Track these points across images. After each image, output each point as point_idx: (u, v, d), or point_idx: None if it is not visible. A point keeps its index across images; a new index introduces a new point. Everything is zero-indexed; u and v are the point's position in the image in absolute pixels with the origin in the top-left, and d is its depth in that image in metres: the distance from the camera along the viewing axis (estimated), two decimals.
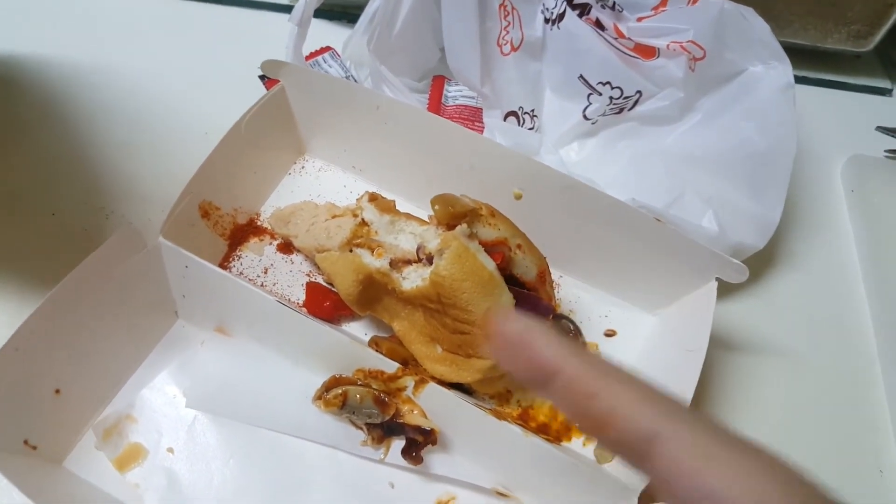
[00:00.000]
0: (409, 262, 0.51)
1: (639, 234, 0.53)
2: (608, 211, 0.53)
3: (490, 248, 0.48)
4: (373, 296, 0.53)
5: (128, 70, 0.70)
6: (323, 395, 0.51)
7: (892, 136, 0.69)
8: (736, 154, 0.59)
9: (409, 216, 0.53)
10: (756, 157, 0.58)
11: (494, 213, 0.49)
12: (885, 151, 0.69)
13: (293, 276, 0.58)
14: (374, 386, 0.51)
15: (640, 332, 0.57)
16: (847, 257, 0.64)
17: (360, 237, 0.52)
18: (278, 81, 0.60)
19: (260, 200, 0.62)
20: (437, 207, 0.48)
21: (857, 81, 0.76)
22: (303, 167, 0.64)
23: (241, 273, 0.58)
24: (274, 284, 0.58)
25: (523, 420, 0.54)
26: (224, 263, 0.58)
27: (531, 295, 0.50)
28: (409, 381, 0.50)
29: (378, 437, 0.51)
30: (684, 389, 0.48)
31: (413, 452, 0.50)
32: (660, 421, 0.24)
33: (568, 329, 0.57)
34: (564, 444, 0.53)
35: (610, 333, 0.58)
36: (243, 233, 0.59)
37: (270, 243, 0.60)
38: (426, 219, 0.53)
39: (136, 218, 0.60)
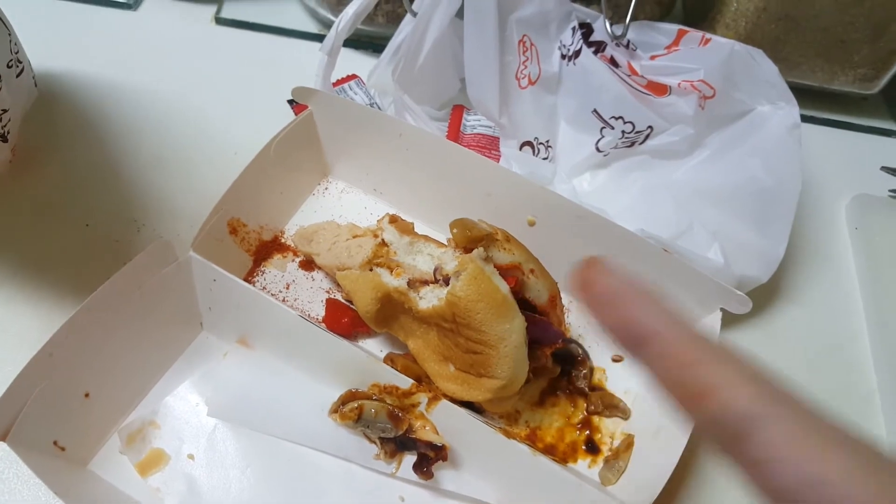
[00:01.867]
0: (426, 283, 0.53)
1: (647, 264, 0.55)
2: (618, 240, 0.55)
3: (504, 271, 0.50)
4: (390, 314, 0.55)
5: (162, 90, 0.73)
6: (339, 408, 0.53)
7: None
8: (743, 190, 0.61)
9: (427, 238, 0.56)
10: (762, 193, 0.60)
11: (509, 239, 0.52)
12: (890, 191, 0.71)
13: (314, 293, 0.61)
14: (388, 401, 0.53)
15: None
16: (849, 293, 0.66)
17: (381, 257, 0.54)
18: (307, 107, 0.63)
19: (285, 219, 0.64)
20: (455, 231, 0.50)
21: (862, 122, 0.78)
22: (326, 188, 0.67)
23: (265, 288, 0.60)
24: (295, 300, 0.60)
25: (531, 440, 0.56)
26: (249, 278, 0.60)
27: (542, 319, 0.52)
28: (422, 398, 0.52)
29: (391, 451, 0.53)
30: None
31: (424, 467, 0.52)
32: (763, 401, 0.23)
33: (576, 353, 0.59)
34: (570, 465, 0.55)
35: (617, 359, 0.60)
36: (268, 249, 0.62)
37: (293, 260, 0.62)
38: (444, 241, 0.56)
39: (165, 231, 0.62)
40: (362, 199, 0.66)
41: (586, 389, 0.58)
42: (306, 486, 0.52)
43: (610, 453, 0.56)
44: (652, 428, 0.54)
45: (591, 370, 0.59)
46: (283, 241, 0.63)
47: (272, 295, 0.59)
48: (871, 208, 0.69)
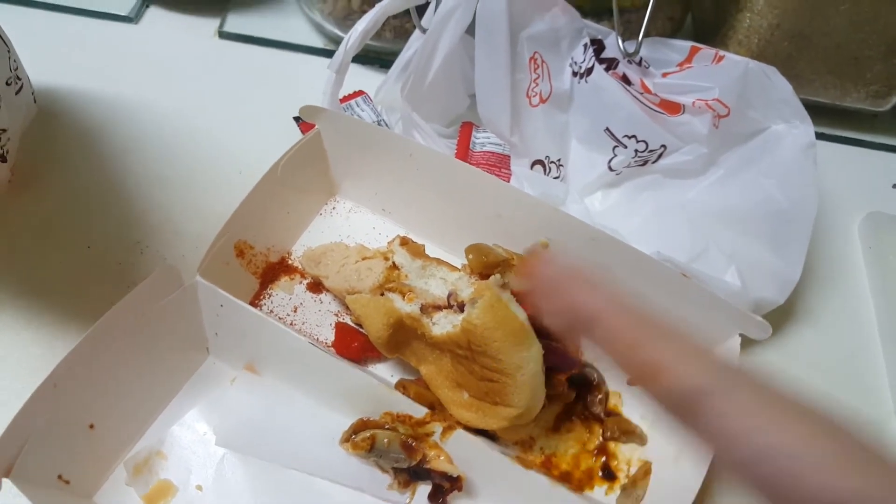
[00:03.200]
0: (439, 308, 0.52)
1: (663, 288, 0.54)
2: (633, 263, 0.54)
3: (521, 298, 0.49)
4: (402, 339, 0.54)
5: (164, 106, 0.72)
6: (350, 437, 0.52)
7: None
8: (758, 210, 0.60)
9: (439, 261, 0.54)
10: (778, 214, 0.60)
11: None
12: None
13: (322, 316, 0.59)
14: (401, 430, 0.52)
15: None
16: (864, 313, 0.65)
17: (392, 281, 0.53)
18: (313, 125, 0.62)
19: (292, 240, 0.63)
20: (471, 257, 0.49)
21: (874, 139, 0.77)
22: (334, 208, 0.65)
23: (272, 311, 0.59)
24: (303, 323, 0.59)
25: (546, 468, 0.55)
26: (255, 301, 0.59)
27: (559, 346, 0.51)
28: (436, 427, 0.50)
29: (404, 481, 0.52)
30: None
31: (440, 499, 0.50)
32: (709, 376, 0.23)
33: (592, 378, 0.58)
34: (587, 492, 0.54)
35: (633, 383, 0.59)
36: (275, 271, 0.61)
37: (301, 282, 0.61)
38: (455, 264, 0.55)
39: (169, 253, 0.61)
40: (370, 219, 0.65)
41: (602, 415, 0.57)
42: None
43: (627, 481, 0.54)
44: (670, 454, 0.53)
45: (607, 395, 0.58)
46: (290, 262, 0.62)
47: (279, 318, 0.58)
48: (885, 227, 0.68)
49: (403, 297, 0.53)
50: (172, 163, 0.67)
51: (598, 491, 0.55)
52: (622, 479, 0.55)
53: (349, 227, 0.64)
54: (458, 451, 0.51)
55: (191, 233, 0.62)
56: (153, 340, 0.51)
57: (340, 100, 0.68)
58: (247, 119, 0.71)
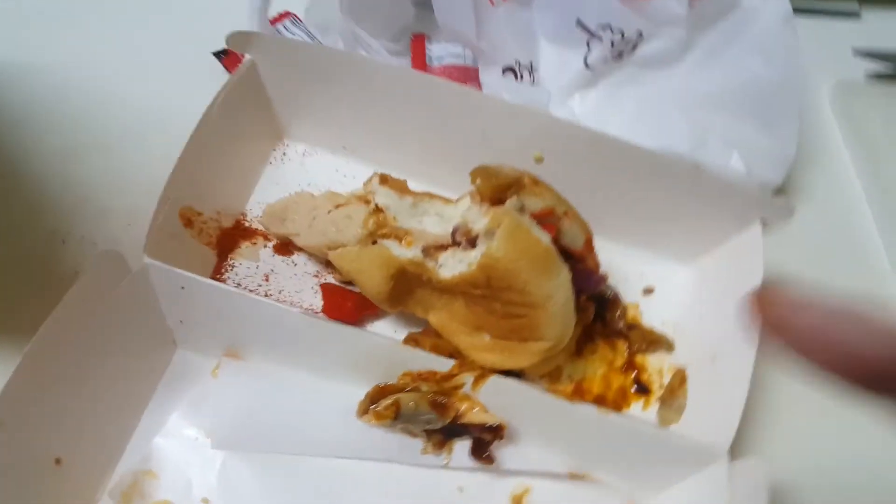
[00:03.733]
0: (443, 248, 0.46)
1: (675, 183, 0.50)
2: (641, 162, 0.49)
3: (540, 219, 0.44)
4: (404, 290, 0.47)
5: (56, 65, 0.58)
6: (369, 408, 0.45)
7: (871, 59, 0.69)
8: (745, 90, 0.56)
9: (430, 195, 0.48)
10: (765, 91, 0.56)
11: (537, 181, 0.45)
12: (868, 75, 0.69)
13: (300, 280, 0.51)
14: (424, 389, 0.46)
15: (680, 285, 0.55)
16: (848, 183, 0.64)
17: (383, 227, 0.46)
18: (240, 58, 0.52)
19: (243, 198, 0.54)
20: (478, 181, 0.43)
21: (825, 7, 0.75)
22: (284, 154, 0.56)
23: (239, 284, 0.50)
24: (279, 292, 0.51)
25: (578, 395, 0.51)
26: (217, 276, 0.50)
27: (584, 268, 0.46)
28: (466, 378, 0.45)
29: (438, 442, 0.46)
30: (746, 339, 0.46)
31: (484, 452, 0.45)
32: None
33: (608, 294, 0.53)
34: (625, 411, 0.51)
35: (649, 291, 0.55)
36: (232, 238, 0.52)
37: (265, 246, 0.52)
38: (448, 197, 0.48)
39: (99, 238, 0.51)
40: (330, 160, 0.57)
41: (624, 330, 0.53)
42: (347, 502, 0.45)
43: (663, 392, 0.51)
44: (704, 355, 0.50)
45: (625, 308, 0.54)
46: (247, 224, 0.53)
47: (251, 291, 0.50)
48: (854, 94, 0.67)
49: (400, 242, 0.46)
50: (78, 131, 0.55)
51: (635, 407, 0.51)
52: (657, 391, 0.52)
53: (307, 173, 0.56)
54: (492, 397, 0.45)
55: (119, 209, 0.52)
56: (108, 345, 0.42)
57: None
58: (155, 65, 0.59)
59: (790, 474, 0.45)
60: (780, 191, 0.59)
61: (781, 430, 0.50)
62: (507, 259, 0.41)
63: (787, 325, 0.20)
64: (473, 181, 0.43)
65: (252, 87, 0.52)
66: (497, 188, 0.42)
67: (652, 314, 0.54)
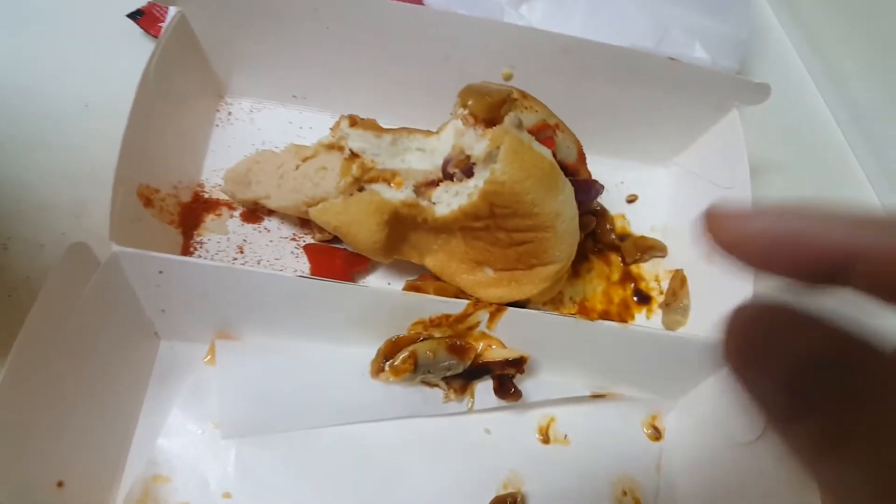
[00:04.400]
0: (434, 184, 0.43)
1: (649, 81, 0.48)
2: (615, 63, 0.47)
3: (536, 134, 0.41)
4: (398, 236, 0.44)
5: None
6: (384, 365, 0.43)
7: None
8: None
9: (409, 130, 0.44)
10: None
11: (526, 95, 0.42)
12: None
13: (277, 246, 0.47)
14: (437, 335, 0.43)
15: (663, 188, 0.54)
16: (793, 64, 0.65)
17: (368, 170, 0.42)
18: (156, 17, 0.46)
19: (197, 168, 0.49)
20: (470, 102, 0.40)
21: None
22: (229, 113, 0.51)
23: (213, 260, 0.46)
24: (258, 263, 0.47)
25: (583, 314, 0.50)
26: (186, 255, 0.46)
27: (584, 181, 0.44)
28: (482, 316, 0.43)
29: (459, 387, 0.44)
30: None
31: (510, 388, 0.44)
32: None
33: (596, 208, 0.52)
34: (633, 324, 0.50)
35: (632, 199, 0.54)
36: (194, 213, 0.47)
37: (232, 216, 0.48)
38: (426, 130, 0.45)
39: (44, 236, 0.45)
40: (281, 113, 0.52)
41: (616, 242, 0.52)
42: (377, 466, 0.43)
43: (665, 296, 0.51)
44: (699, 254, 0.49)
45: (613, 220, 0.53)
46: (207, 196, 0.48)
47: None
48: None
49: (389, 184, 0.42)
50: None
51: (639, 318, 0.51)
52: (657, 297, 0.51)
53: (259, 131, 0.51)
54: (506, 332, 0.44)
55: (61, 202, 0.46)
56: (89, 347, 0.38)
57: None
58: (67, 39, 0.52)
59: None
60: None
61: None
62: (512, 181, 0.38)
63: (739, 238, 0.18)
64: (464, 103, 0.40)
65: (185, 45, 0.46)
66: (490, 107, 0.40)
67: (639, 222, 0.53)
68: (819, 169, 0.61)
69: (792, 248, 0.17)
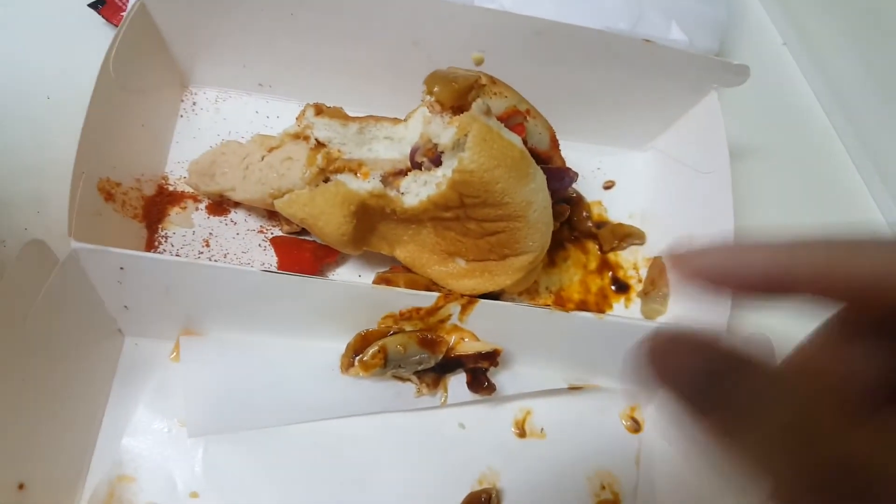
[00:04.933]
0: (402, 173, 0.42)
1: (625, 63, 0.47)
2: (589, 46, 0.46)
3: (505, 121, 0.40)
4: (367, 227, 0.43)
5: None
6: (353, 360, 0.42)
7: None
8: None
9: (376, 119, 0.43)
10: None
11: (494, 80, 0.41)
12: None
13: (244, 239, 0.46)
14: (409, 328, 0.42)
15: (640, 173, 0.53)
16: (774, 45, 0.64)
17: (334, 161, 0.41)
18: (118, 5, 0.45)
19: (161, 160, 0.47)
20: (437, 88, 0.38)
21: None
22: (194, 103, 0.50)
23: (178, 254, 0.45)
24: (224, 256, 0.46)
25: (560, 305, 0.49)
26: (150, 251, 0.45)
27: (557, 168, 0.43)
28: (454, 308, 0.42)
29: (432, 381, 0.43)
30: (722, 210, 0.45)
31: (483, 381, 0.43)
32: None
33: (572, 195, 0.51)
34: (609, 314, 0.49)
35: (609, 185, 0.53)
36: (158, 206, 0.46)
37: (198, 208, 0.47)
38: (394, 119, 0.44)
39: (5, 234, 0.43)
40: (247, 102, 0.51)
41: (594, 229, 0.51)
42: (348, 462, 0.42)
43: (644, 285, 0.50)
44: (679, 240, 0.49)
45: (589, 207, 0.52)
46: (171, 188, 0.47)
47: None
48: None
49: (355, 174, 0.41)
50: None
51: (617, 308, 0.50)
52: (636, 286, 0.50)
53: (224, 121, 0.50)
54: (479, 324, 0.43)
55: (22, 197, 0.45)
56: (50, 346, 0.37)
57: None
58: (27, 29, 0.51)
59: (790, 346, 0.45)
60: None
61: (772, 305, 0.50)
62: (481, 170, 0.37)
63: (694, 274, 0.22)
64: (430, 90, 0.39)
65: (146, 34, 0.45)
66: (457, 93, 0.38)
67: (617, 209, 0.52)
68: (802, 151, 0.60)
69: (734, 282, 0.21)
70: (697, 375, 0.18)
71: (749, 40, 0.63)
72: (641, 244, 0.51)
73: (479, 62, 0.47)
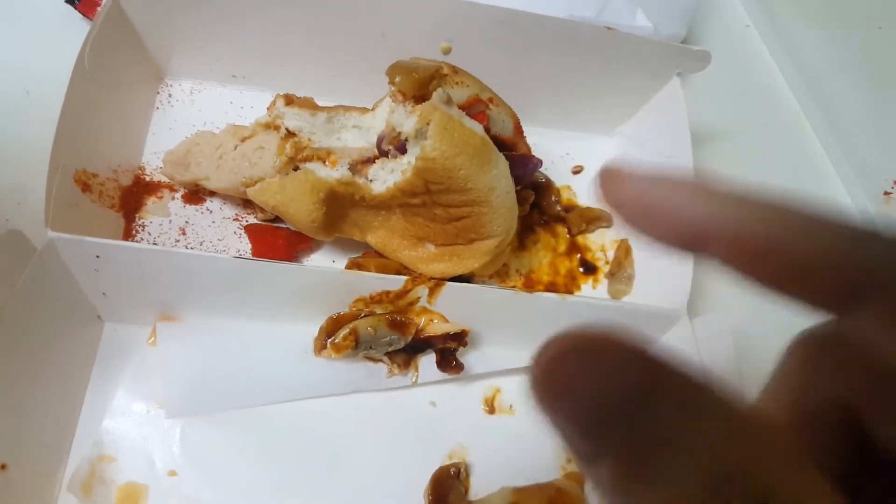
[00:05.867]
0: (370, 161, 0.43)
1: (589, 51, 0.48)
2: (553, 34, 0.47)
3: (467, 110, 0.41)
4: (337, 214, 0.44)
5: None
6: (326, 342, 0.43)
7: None
8: None
9: (345, 108, 0.44)
10: None
11: (456, 70, 0.42)
12: None
13: (219, 227, 0.48)
14: (379, 311, 0.44)
15: (608, 158, 0.54)
16: (743, 30, 0.65)
17: (302, 149, 0.43)
18: (95, 0, 0.46)
19: (137, 151, 0.49)
20: (398, 79, 0.40)
21: None
22: (170, 95, 0.51)
23: (155, 243, 0.46)
24: (200, 244, 0.47)
25: (529, 287, 0.50)
26: (128, 240, 0.46)
27: (520, 155, 0.44)
28: (422, 291, 0.43)
29: (403, 361, 0.45)
30: None
31: (451, 361, 0.44)
32: None
33: (541, 180, 0.52)
34: (577, 294, 0.51)
35: (577, 170, 0.54)
36: (135, 196, 0.47)
37: (173, 198, 0.48)
38: (362, 107, 0.45)
39: None
40: (222, 93, 0.52)
41: (562, 213, 0.53)
42: (322, 441, 0.43)
43: (610, 265, 0.52)
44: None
45: (559, 192, 0.53)
46: (148, 179, 0.48)
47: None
48: None
49: (324, 163, 0.43)
50: None
51: (585, 289, 0.51)
52: (603, 267, 0.52)
53: (199, 112, 0.51)
54: (448, 306, 0.44)
55: (2, 189, 0.46)
56: (30, 332, 0.38)
57: None
58: (6, 23, 0.52)
59: (748, 325, 0.46)
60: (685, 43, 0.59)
61: (732, 285, 0.52)
62: (443, 157, 0.38)
63: (621, 197, 0.19)
64: (392, 80, 0.40)
65: (120, 28, 0.46)
66: (418, 83, 0.40)
67: (585, 192, 0.54)
68: (772, 136, 0.61)
69: (658, 217, 0.18)
70: (596, 406, 0.13)
71: (716, 24, 0.64)
72: (609, 227, 0.53)
73: (447, 52, 0.49)
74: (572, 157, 0.54)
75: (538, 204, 0.52)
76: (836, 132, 0.59)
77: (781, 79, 0.63)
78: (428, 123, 0.38)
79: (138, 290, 0.42)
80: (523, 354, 0.47)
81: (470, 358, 0.46)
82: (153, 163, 0.49)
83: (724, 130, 0.58)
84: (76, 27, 0.51)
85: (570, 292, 0.51)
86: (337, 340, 0.43)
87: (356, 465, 0.43)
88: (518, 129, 0.45)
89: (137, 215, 0.47)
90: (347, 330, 0.43)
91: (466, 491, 0.44)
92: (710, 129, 0.57)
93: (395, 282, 0.42)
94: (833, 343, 0.17)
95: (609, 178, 0.20)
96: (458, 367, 0.44)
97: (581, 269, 0.52)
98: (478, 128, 0.40)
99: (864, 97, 0.58)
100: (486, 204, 0.41)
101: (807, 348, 0.18)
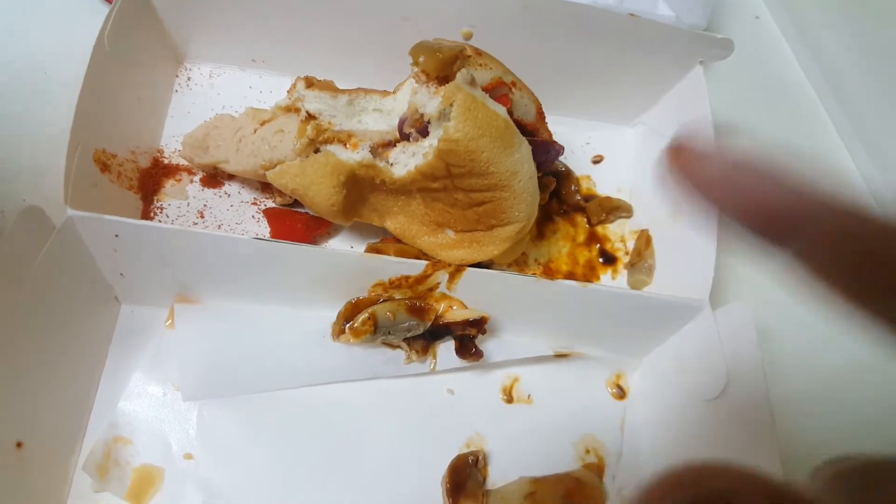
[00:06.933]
0: (391, 144, 0.42)
1: (612, 38, 0.48)
2: (576, 21, 0.47)
3: (491, 92, 0.41)
4: (357, 198, 0.44)
5: None
6: (344, 327, 0.43)
7: None
8: None
9: (366, 91, 0.44)
10: None
11: (480, 52, 0.42)
12: None
13: (238, 211, 0.47)
14: (398, 296, 0.43)
15: (628, 148, 0.54)
16: (764, 21, 0.64)
17: (324, 132, 0.42)
18: None
19: (156, 133, 0.48)
20: (422, 59, 0.39)
21: None
22: (189, 78, 0.51)
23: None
24: (218, 227, 0.47)
25: (548, 276, 0.50)
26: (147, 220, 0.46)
27: (542, 141, 0.44)
28: (441, 277, 0.43)
29: (421, 348, 0.44)
30: None
31: (471, 348, 0.44)
32: None
33: (560, 168, 0.52)
34: (595, 284, 0.50)
35: (597, 160, 0.54)
36: (154, 178, 0.47)
37: (192, 181, 0.48)
38: (383, 92, 0.44)
39: (7, 206, 0.44)
40: (241, 77, 0.52)
41: (582, 202, 0.52)
42: (339, 427, 0.43)
43: (630, 256, 0.51)
44: (663, 214, 0.50)
45: (578, 181, 0.53)
46: (167, 161, 0.48)
47: None
48: None
49: (345, 146, 0.42)
50: None
51: (604, 279, 0.51)
52: (623, 258, 0.51)
53: (218, 96, 0.51)
54: (468, 293, 0.44)
55: (22, 169, 0.45)
56: (47, 311, 0.38)
57: None
58: (26, 4, 0.51)
59: (771, 317, 0.45)
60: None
61: (754, 276, 0.51)
62: (466, 139, 0.38)
63: (695, 175, 0.19)
64: (415, 60, 0.40)
65: (141, 10, 0.46)
66: (442, 63, 0.39)
67: (605, 182, 0.53)
68: (791, 126, 0.60)
69: (746, 202, 0.18)
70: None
71: (738, 14, 0.63)
72: (629, 217, 0.52)
73: (469, 37, 0.48)
74: (593, 146, 0.54)
75: (557, 193, 0.52)
76: (852, 120, 0.59)
77: (799, 69, 0.62)
78: (451, 104, 0.38)
79: (157, 271, 0.42)
80: (543, 343, 0.47)
81: (489, 345, 0.45)
82: (172, 146, 0.48)
83: (742, 120, 0.57)
84: (95, 8, 0.51)
85: (588, 282, 0.50)
86: (355, 325, 0.42)
87: (372, 450, 0.43)
88: (540, 115, 0.44)
89: (156, 198, 0.47)
90: (366, 315, 0.42)
91: (484, 480, 0.43)
92: (727, 119, 0.56)
93: (415, 266, 0.42)
94: None
95: (684, 157, 0.19)
96: (478, 355, 0.44)
97: (600, 260, 0.51)
98: (501, 110, 0.39)
99: (881, 87, 0.57)
100: (508, 188, 0.40)
101: None
